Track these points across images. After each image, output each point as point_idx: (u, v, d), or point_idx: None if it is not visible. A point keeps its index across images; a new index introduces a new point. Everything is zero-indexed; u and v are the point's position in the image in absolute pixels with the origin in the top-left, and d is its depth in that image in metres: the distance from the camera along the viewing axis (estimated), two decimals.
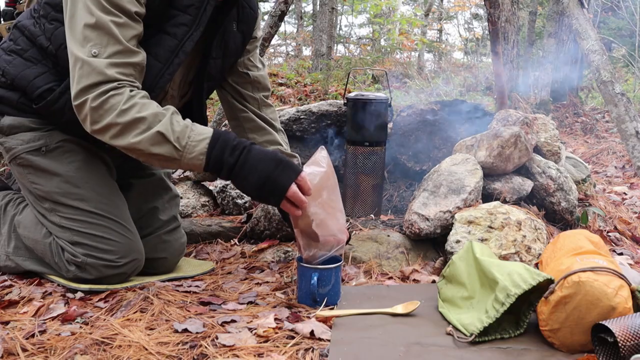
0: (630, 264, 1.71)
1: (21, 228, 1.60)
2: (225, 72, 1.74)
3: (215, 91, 1.83)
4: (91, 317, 1.33)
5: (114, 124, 1.33)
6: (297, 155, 1.86)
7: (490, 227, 1.68)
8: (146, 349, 1.14)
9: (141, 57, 1.40)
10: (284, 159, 1.36)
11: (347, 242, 1.58)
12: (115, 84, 1.33)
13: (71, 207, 1.53)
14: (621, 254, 1.90)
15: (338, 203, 1.46)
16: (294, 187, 1.33)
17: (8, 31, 2.36)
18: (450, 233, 1.71)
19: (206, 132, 1.36)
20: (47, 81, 1.50)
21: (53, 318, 1.32)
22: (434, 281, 1.59)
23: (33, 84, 1.50)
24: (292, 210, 1.35)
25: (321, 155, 1.42)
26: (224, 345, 1.16)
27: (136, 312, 1.34)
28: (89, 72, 1.32)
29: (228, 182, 2.36)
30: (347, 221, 1.87)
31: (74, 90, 1.35)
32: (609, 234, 2.07)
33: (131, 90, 1.35)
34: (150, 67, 1.45)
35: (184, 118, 1.45)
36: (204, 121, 1.72)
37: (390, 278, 1.63)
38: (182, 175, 2.52)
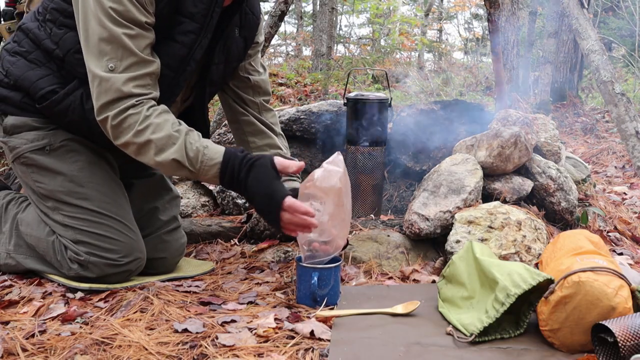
0: (630, 264, 1.71)
1: (23, 226, 1.61)
2: (228, 77, 1.75)
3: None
4: (91, 317, 1.33)
5: (132, 143, 1.39)
6: (296, 160, 1.85)
7: (490, 227, 1.68)
8: (146, 349, 1.14)
9: (156, 65, 1.44)
10: (269, 193, 1.40)
11: (344, 248, 1.58)
12: (133, 100, 1.38)
13: (74, 205, 1.53)
14: (621, 254, 1.89)
15: (348, 208, 1.45)
16: (285, 217, 1.38)
17: (8, 31, 2.36)
18: (450, 233, 1.71)
19: (217, 156, 1.42)
20: (51, 83, 1.51)
21: (53, 318, 1.32)
22: (434, 281, 1.59)
23: (36, 85, 1.51)
24: (297, 232, 1.42)
25: (338, 158, 1.43)
26: (224, 345, 1.16)
27: (136, 312, 1.34)
28: (107, 89, 1.37)
29: None
30: None
31: (95, 106, 1.40)
32: (609, 234, 2.07)
33: (148, 109, 1.39)
34: (163, 77, 1.47)
35: (185, 122, 1.46)
36: (206, 125, 1.74)
37: (390, 278, 1.63)
38: None
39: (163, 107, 1.43)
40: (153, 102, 1.41)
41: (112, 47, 1.37)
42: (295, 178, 1.77)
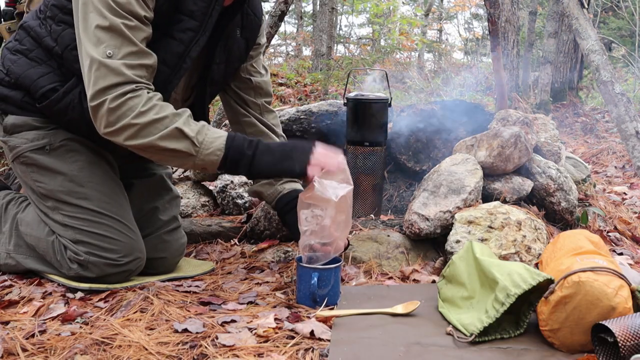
0: (630, 264, 1.71)
1: (23, 226, 1.60)
2: (229, 77, 1.74)
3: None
4: (91, 317, 1.33)
5: (132, 125, 1.34)
6: None
7: (490, 227, 1.68)
8: (146, 349, 1.14)
9: (154, 59, 1.42)
10: (298, 141, 1.52)
11: (345, 249, 1.59)
12: (133, 85, 1.35)
13: (74, 205, 1.53)
14: (621, 254, 1.89)
15: (349, 211, 1.45)
16: (317, 149, 1.44)
17: (8, 31, 2.36)
18: (450, 233, 1.71)
19: (221, 132, 1.41)
20: (51, 81, 1.51)
21: (53, 318, 1.32)
22: (434, 281, 1.59)
23: (37, 84, 1.51)
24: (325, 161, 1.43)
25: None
26: (224, 345, 1.16)
27: (136, 312, 1.34)
28: (107, 73, 1.33)
29: (228, 182, 2.36)
30: None
31: (90, 91, 1.35)
32: (609, 234, 2.07)
33: (148, 92, 1.37)
34: (159, 73, 1.46)
35: None
36: None
37: (390, 278, 1.63)
38: (182, 175, 2.52)
39: (160, 94, 1.41)
40: (151, 90, 1.39)
41: (111, 35, 1.35)
42: (296, 179, 1.78)
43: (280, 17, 3.29)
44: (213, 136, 1.39)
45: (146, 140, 1.35)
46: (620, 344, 1.03)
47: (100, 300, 1.45)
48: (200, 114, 1.71)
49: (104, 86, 1.33)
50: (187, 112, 1.41)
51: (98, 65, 1.34)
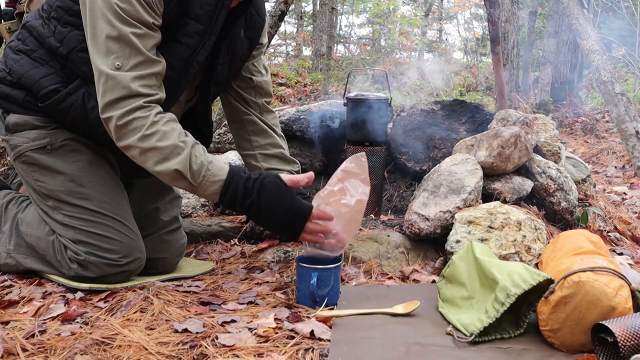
0: (630, 264, 1.71)
1: (24, 225, 1.61)
2: (231, 77, 1.75)
3: None
4: (91, 317, 1.33)
5: (135, 146, 1.38)
6: (297, 161, 1.85)
7: (490, 227, 1.68)
8: (146, 349, 1.14)
9: (162, 65, 1.43)
10: (295, 210, 1.41)
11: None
12: (141, 101, 1.37)
13: (75, 205, 1.53)
14: (621, 254, 1.90)
15: (362, 211, 1.47)
16: (309, 227, 1.41)
17: (8, 31, 2.36)
18: (450, 233, 1.71)
19: (221, 173, 1.41)
20: (53, 82, 1.51)
21: (53, 318, 1.32)
22: (434, 281, 1.59)
23: (39, 84, 1.51)
24: (317, 238, 1.44)
25: (363, 160, 1.47)
26: (224, 345, 1.16)
27: (136, 312, 1.34)
28: (114, 86, 1.36)
29: None
30: None
31: (100, 103, 1.39)
32: (609, 234, 2.07)
33: (156, 114, 1.38)
34: (166, 78, 1.47)
35: (189, 122, 1.46)
36: (208, 125, 1.75)
37: (390, 278, 1.63)
38: None
39: (171, 115, 1.42)
40: (160, 108, 1.41)
41: (120, 45, 1.36)
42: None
43: (280, 17, 3.29)
44: (211, 180, 1.40)
45: (146, 165, 1.39)
46: (620, 344, 1.03)
47: (100, 300, 1.45)
48: (202, 114, 1.71)
49: (112, 99, 1.36)
50: (190, 143, 1.40)
51: (106, 77, 1.36)
